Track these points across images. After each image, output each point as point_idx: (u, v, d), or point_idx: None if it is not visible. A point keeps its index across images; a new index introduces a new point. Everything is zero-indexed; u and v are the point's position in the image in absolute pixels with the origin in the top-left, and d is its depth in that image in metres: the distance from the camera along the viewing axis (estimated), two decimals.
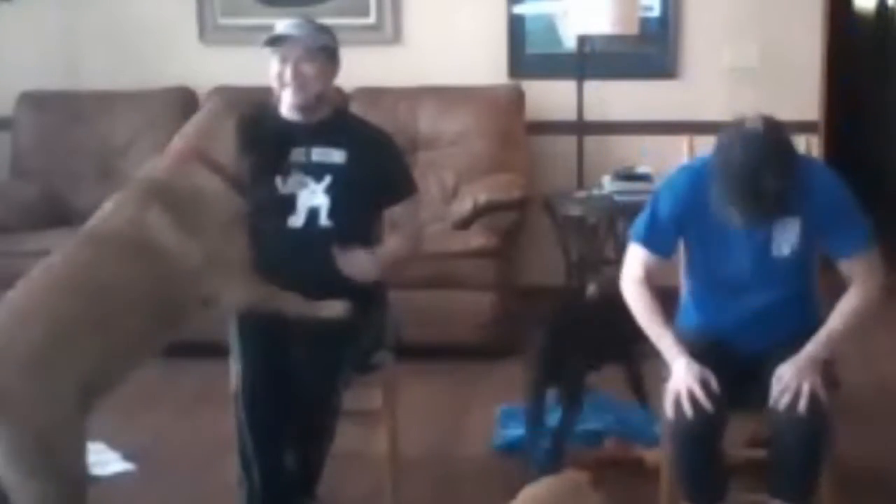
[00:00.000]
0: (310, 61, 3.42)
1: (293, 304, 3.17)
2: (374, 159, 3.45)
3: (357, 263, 3.32)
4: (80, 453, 2.76)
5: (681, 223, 3.15)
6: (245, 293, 3.09)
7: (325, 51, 3.47)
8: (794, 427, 2.94)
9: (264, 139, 3.22)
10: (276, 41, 3.43)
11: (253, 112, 3.24)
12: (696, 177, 3.11)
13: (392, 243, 3.50)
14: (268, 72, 3.44)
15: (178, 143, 3.15)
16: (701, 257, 3.18)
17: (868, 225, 3.14)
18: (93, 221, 3.01)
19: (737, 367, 3.06)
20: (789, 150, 2.98)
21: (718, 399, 2.95)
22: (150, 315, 2.91)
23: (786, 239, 3.07)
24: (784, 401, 2.93)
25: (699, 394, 2.93)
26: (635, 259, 3.20)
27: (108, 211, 3.00)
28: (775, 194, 2.87)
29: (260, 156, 3.17)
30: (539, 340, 3.84)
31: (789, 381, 2.94)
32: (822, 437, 2.96)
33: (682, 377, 2.98)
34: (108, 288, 2.85)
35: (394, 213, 3.52)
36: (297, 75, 3.40)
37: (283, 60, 3.41)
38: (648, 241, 3.18)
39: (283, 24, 3.50)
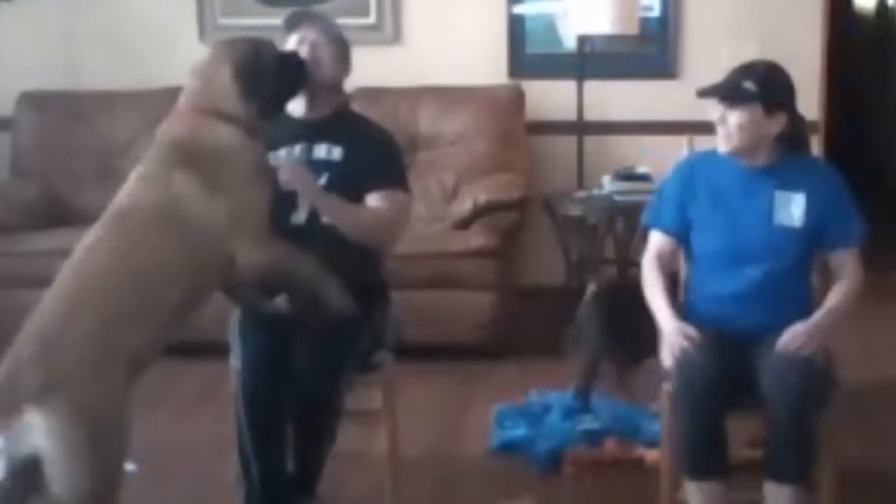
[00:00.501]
0: (328, 45, 3.42)
1: (306, 266, 3.13)
2: (370, 155, 3.43)
3: (293, 172, 3.27)
4: (125, 433, 2.79)
5: (684, 199, 3.28)
6: (260, 252, 3.03)
7: (341, 42, 3.47)
8: (786, 390, 2.98)
9: (265, 77, 3.16)
10: (295, 20, 3.45)
11: (247, 55, 3.16)
12: (697, 158, 3.38)
13: (358, 206, 3.39)
14: None
15: (185, 101, 3.13)
16: (704, 230, 3.26)
17: (864, 222, 3.25)
18: (120, 198, 3.01)
19: (735, 355, 3.10)
20: (782, 80, 3.19)
21: (708, 353, 3.04)
22: (186, 284, 2.93)
23: (789, 211, 3.18)
24: (787, 344, 3.04)
25: (684, 344, 3.08)
26: (650, 245, 3.36)
27: (134, 184, 3.02)
28: (749, 92, 3.11)
29: (264, 95, 3.14)
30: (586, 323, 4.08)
31: (796, 335, 3.06)
32: (812, 402, 3.01)
33: (670, 335, 3.16)
34: (147, 265, 2.89)
35: (373, 201, 3.40)
36: (313, 57, 3.39)
37: (301, 41, 3.41)
38: (656, 221, 3.35)
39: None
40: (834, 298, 3.18)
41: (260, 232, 3.05)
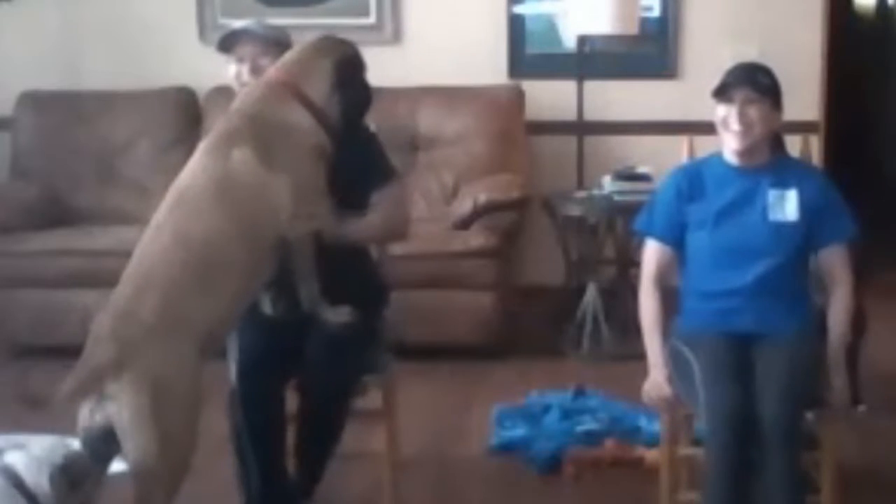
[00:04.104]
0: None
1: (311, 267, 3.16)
2: (352, 152, 3.30)
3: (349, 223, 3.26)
4: (193, 402, 2.94)
5: (679, 206, 3.30)
6: (303, 226, 3.08)
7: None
8: (776, 423, 2.96)
9: (357, 82, 3.27)
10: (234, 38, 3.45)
11: (352, 55, 3.27)
12: (690, 165, 3.41)
13: (364, 221, 3.31)
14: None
15: (276, 73, 3.18)
16: (702, 230, 3.27)
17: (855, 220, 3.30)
18: (183, 171, 3.08)
19: (737, 353, 3.11)
20: (776, 81, 3.25)
21: (743, 401, 2.99)
22: (243, 259, 3.01)
23: (783, 207, 3.23)
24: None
25: (661, 397, 3.21)
26: (648, 259, 3.36)
27: (197, 157, 3.08)
28: (767, 85, 3.21)
29: (351, 98, 3.22)
30: None
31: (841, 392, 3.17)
32: (801, 440, 3.02)
33: (651, 382, 3.23)
34: (202, 236, 2.97)
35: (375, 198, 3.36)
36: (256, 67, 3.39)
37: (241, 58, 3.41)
38: (650, 228, 3.36)
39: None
40: (837, 322, 3.22)
41: (307, 209, 3.10)
